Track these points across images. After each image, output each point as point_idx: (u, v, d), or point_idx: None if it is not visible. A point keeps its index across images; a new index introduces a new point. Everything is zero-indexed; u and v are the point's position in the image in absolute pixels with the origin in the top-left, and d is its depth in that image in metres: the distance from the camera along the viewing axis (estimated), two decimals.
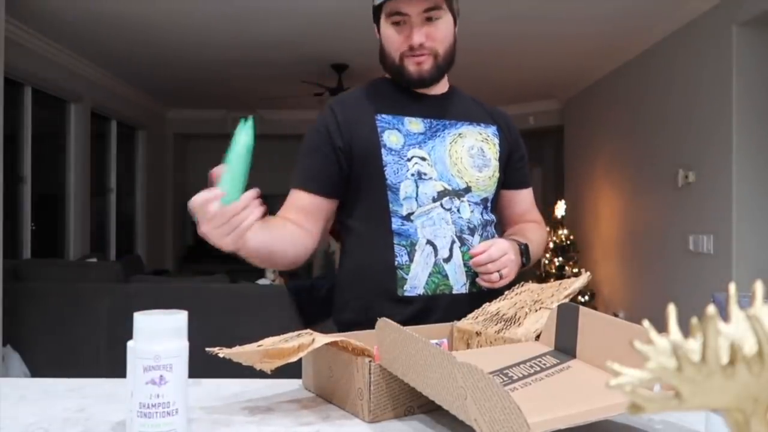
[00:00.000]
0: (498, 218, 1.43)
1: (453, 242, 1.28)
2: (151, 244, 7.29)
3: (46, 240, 5.20)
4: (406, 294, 1.27)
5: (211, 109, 7.75)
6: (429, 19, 1.27)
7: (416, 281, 1.27)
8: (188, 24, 4.53)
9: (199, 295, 3.73)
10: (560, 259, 6.32)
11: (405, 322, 0.99)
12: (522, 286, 1.19)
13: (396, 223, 1.28)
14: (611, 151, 5.70)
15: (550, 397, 0.79)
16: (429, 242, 1.28)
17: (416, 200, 1.28)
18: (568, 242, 6.36)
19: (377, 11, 1.32)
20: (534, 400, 0.74)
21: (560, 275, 6.19)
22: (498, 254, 1.22)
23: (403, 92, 1.36)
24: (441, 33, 1.29)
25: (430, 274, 1.27)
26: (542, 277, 6.35)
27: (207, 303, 3.61)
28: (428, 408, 0.87)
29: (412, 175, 1.29)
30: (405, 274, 1.27)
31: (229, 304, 3.64)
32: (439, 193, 1.29)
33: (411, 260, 1.27)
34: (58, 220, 5.39)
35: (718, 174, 3.83)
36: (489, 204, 1.38)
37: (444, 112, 1.37)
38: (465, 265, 1.29)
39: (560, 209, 6.72)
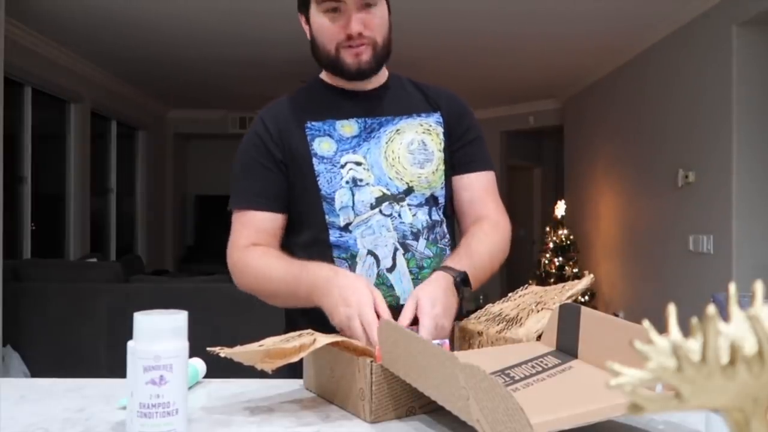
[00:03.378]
0: (456, 209, 1.33)
1: (396, 250, 1.20)
2: (151, 244, 7.28)
3: (46, 240, 5.20)
4: None
5: (211, 109, 7.75)
6: (365, 6, 1.17)
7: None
8: (188, 24, 4.53)
9: (199, 295, 3.73)
10: (560, 259, 6.32)
11: None
12: (525, 288, 1.17)
13: (334, 235, 1.21)
14: (611, 150, 5.70)
15: (552, 397, 0.79)
16: (370, 252, 1.19)
17: (353, 209, 1.21)
18: (568, 242, 6.36)
19: (305, 0, 1.22)
20: (536, 401, 0.74)
21: (560, 275, 6.20)
22: (432, 331, 1.03)
23: (334, 93, 1.28)
24: (378, 20, 1.19)
25: (374, 286, 1.14)
26: (542, 277, 6.35)
27: (207, 303, 3.61)
28: (430, 408, 0.87)
29: (347, 182, 1.21)
30: None
31: (229, 304, 3.64)
32: (377, 199, 1.21)
33: (353, 273, 1.17)
34: (58, 220, 5.39)
35: (718, 174, 3.83)
36: (440, 201, 1.28)
37: (379, 108, 1.27)
38: (411, 272, 1.21)
39: (560, 209, 6.72)
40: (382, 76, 1.31)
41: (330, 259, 1.20)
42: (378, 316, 1.00)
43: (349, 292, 1.03)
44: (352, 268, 1.20)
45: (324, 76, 1.32)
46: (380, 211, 1.21)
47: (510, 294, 1.17)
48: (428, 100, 1.32)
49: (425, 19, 4.27)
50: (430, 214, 1.25)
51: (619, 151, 5.50)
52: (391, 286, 1.20)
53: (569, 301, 1.03)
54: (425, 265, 1.22)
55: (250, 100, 7.04)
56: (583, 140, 6.40)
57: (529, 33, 4.71)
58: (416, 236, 1.22)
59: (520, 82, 6.31)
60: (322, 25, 1.20)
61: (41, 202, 5.07)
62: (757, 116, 3.67)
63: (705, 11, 3.97)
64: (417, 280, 1.20)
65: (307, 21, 1.25)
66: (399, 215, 1.22)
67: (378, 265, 1.20)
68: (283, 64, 5.43)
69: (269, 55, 5.23)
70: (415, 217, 1.23)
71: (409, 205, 1.23)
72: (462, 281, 1.13)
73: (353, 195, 1.21)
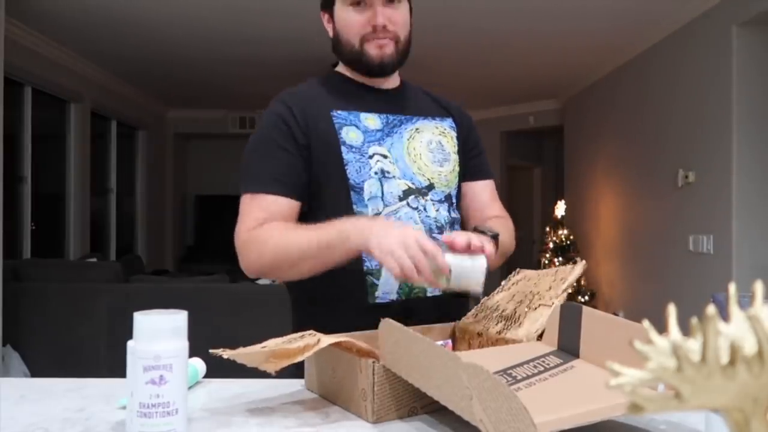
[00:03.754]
0: (461, 212, 1.37)
1: None
2: (151, 244, 7.28)
3: (46, 240, 5.19)
4: (378, 301, 1.18)
5: (211, 109, 7.75)
6: (390, 1, 1.22)
7: (388, 287, 1.18)
8: (188, 24, 4.53)
9: (199, 295, 3.73)
10: (560, 259, 6.31)
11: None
12: (518, 273, 1.17)
13: None
14: (611, 151, 5.70)
15: (554, 397, 0.79)
16: None
17: (382, 200, 1.20)
18: (568, 242, 6.36)
19: None
20: (538, 401, 0.74)
21: None
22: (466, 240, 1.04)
23: (355, 85, 1.30)
24: (402, 17, 1.24)
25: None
26: None
27: (207, 303, 3.61)
28: (432, 408, 0.87)
29: (376, 173, 1.21)
30: (375, 279, 1.18)
31: (229, 304, 3.64)
32: (404, 191, 1.22)
33: (381, 264, 1.11)
34: (58, 220, 5.39)
35: (718, 174, 3.83)
36: (453, 201, 1.31)
37: (399, 106, 1.30)
38: None
39: (560, 209, 6.72)
40: (396, 79, 1.35)
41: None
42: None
43: (400, 225, 1.09)
44: None
45: (343, 69, 1.33)
46: (408, 204, 1.23)
47: (503, 282, 1.16)
48: (440, 106, 1.37)
49: (425, 18, 4.27)
50: (449, 211, 1.28)
51: (619, 151, 5.50)
52: None
53: (566, 294, 1.03)
54: None
55: (250, 100, 7.04)
56: (583, 140, 6.40)
57: (529, 33, 4.71)
58: (441, 231, 1.24)
59: (520, 82, 6.31)
60: (347, 18, 1.23)
61: (41, 202, 5.07)
62: (757, 116, 3.67)
63: (705, 11, 3.97)
64: None
65: (331, 18, 1.28)
66: (425, 209, 1.24)
67: None
68: (284, 64, 5.42)
69: (269, 54, 5.23)
70: (438, 212, 1.26)
71: (432, 200, 1.25)
72: (494, 240, 1.13)
73: (382, 186, 1.21)
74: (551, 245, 6.42)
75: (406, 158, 1.25)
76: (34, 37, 4.68)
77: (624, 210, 5.41)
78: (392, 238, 1.00)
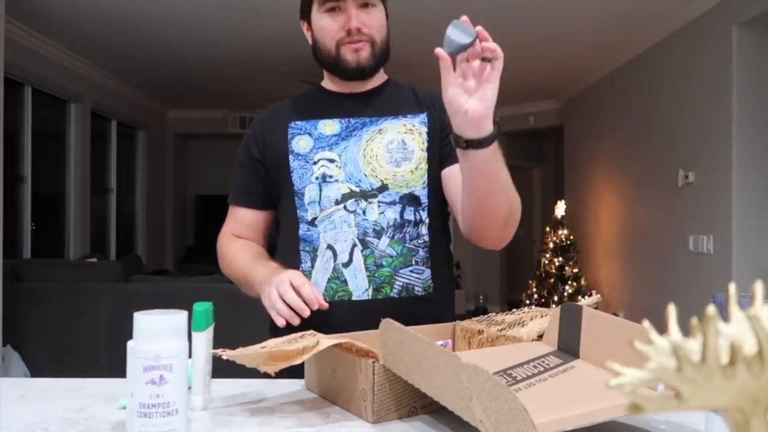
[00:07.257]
0: (449, 202, 1.29)
1: (354, 246, 1.23)
2: (151, 244, 7.28)
3: (46, 240, 5.19)
4: None
5: (211, 109, 7.75)
6: (364, 5, 1.25)
7: (316, 288, 1.19)
8: (188, 24, 4.53)
9: (199, 295, 3.73)
10: (560, 259, 6.31)
11: (306, 330, 1.00)
12: (528, 309, 1.17)
13: (302, 229, 1.27)
14: (611, 151, 5.70)
15: (554, 397, 0.79)
16: (329, 247, 1.24)
17: (319, 204, 1.26)
18: (568, 242, 6.35)
19: (307, 5, 1.30)
20: (538, 401, 0.74)
21: (560, 275, 6.19)
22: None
23: (327, 95, 1.35)
24: (376, 21, 1.26)
25: (329, 279, 1.23)
26: (542, 277, 6.34)
27: None
28: (432, 409, 0.87)
29: (317, 178, 1.26)
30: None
31: (229, 304, 3.63)
32: (343, 195, 1.25)
33: (313, 266, 1.25)
34: (58, 220, 5.39)
35: (718, 174, 3.83)
36: (423, 201, 1.26)
37: (366, 109, 1.31)
38: (367, 269, 1.22)
39: (560, 209, 6.71)
40: (378, 78, 1.35)
41: (297, 252, 1.27)
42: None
43: (277, 277, 1.15)
44: (314, 261, 1.25)
45: (324, 83, 1.38)
46: (344, 207, 1.25)
47: (514, 310, 1.16)
48: (419, 102, 1.34)
49: (423, 18, 4.27)
50: (401, 214, 1.25)
51: (620, 151, 5.50)
52: (345, 281, 1.23)
53: (567, 301, 1.03)
54: (384, 263, 1.23)
55: (250, 100, 7.05)
56: (583, 140, 6.40)
57: (530, 33, 4.71)
58: (378, 234, 1.24)
59: (520, 82, 6.31)
60: (323, 25, 1.27)
61: (41, 202, 5.07)
62: (757, 116, 3.67)
63: (705, 11, 3.97)
64: (373, 278, 1.23)
65: (309, 26, 1.32)
66: (363, 212, 1.25)
67: (335, 259, 1.24)
68: (283, 64, 5.43)
69: (269, 55, 5.23)
70: (382, 215, 1.24)
71: (380, 202, 1.25)
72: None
73: (321, 191, 1.27)
74: (551, 245, 6.42)
75: (360, 161, 1.26)
76: (34, 37, 4.68)
77: (624, 210, 5.41)
78: (270, 288, 1.12)
